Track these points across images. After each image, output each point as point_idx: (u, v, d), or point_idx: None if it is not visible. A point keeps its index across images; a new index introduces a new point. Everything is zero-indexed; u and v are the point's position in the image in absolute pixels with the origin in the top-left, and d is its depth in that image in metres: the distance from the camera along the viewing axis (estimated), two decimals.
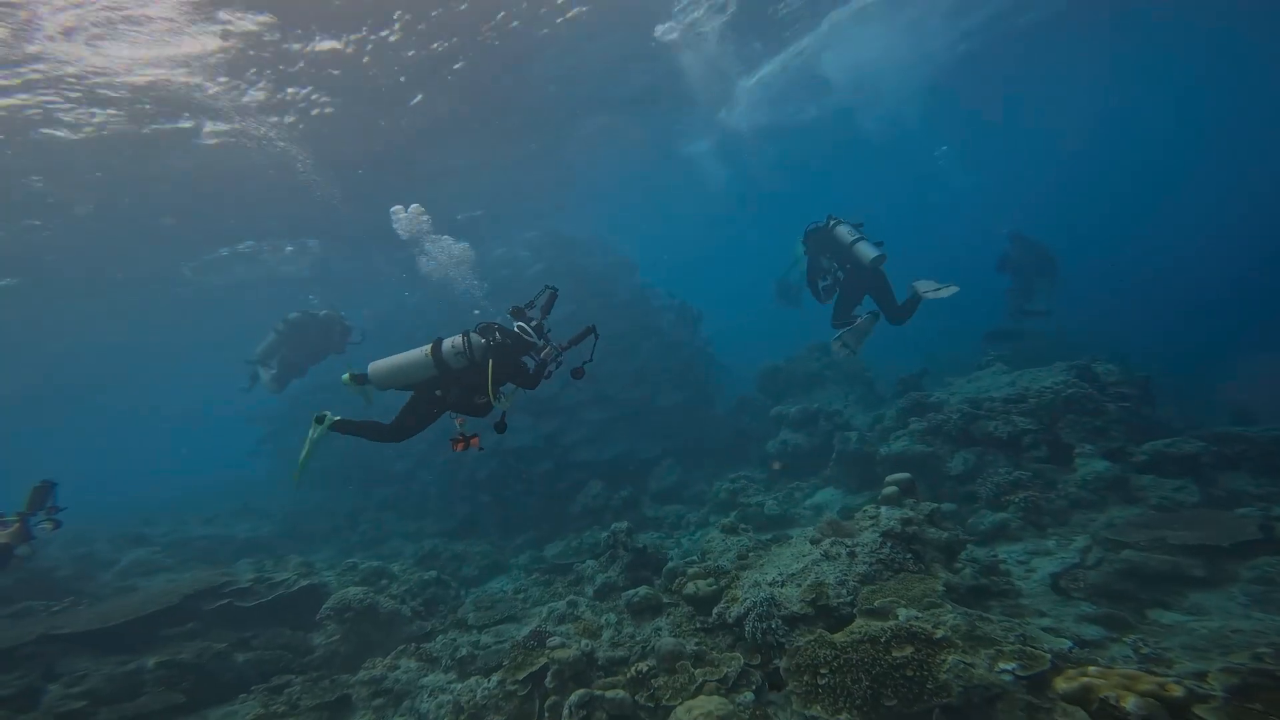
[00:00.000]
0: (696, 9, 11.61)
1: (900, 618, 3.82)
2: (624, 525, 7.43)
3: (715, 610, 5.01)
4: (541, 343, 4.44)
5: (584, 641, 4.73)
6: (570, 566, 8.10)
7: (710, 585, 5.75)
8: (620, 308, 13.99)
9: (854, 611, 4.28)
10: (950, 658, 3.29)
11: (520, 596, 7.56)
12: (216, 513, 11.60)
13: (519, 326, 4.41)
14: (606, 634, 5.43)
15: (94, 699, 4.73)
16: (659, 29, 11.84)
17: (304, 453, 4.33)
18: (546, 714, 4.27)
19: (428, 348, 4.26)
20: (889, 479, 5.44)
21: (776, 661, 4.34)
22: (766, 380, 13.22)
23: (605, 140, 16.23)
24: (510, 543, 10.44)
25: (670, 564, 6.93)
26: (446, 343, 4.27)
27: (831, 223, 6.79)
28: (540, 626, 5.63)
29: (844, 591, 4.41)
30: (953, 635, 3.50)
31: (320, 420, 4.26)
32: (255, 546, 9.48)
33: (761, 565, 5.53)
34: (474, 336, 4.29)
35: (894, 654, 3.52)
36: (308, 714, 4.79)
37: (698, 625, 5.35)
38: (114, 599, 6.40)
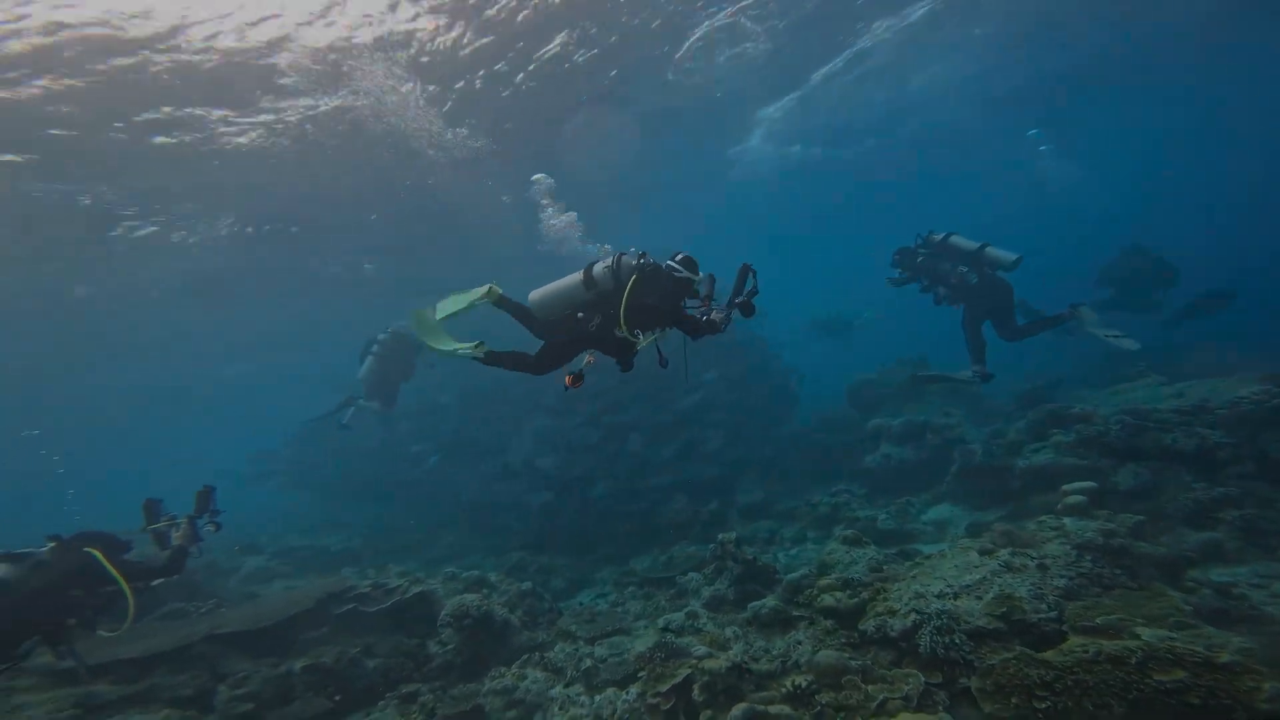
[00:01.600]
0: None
1: (1147, 638, 3.33)
2: (732, 536, 7.09)
3: (870, 624, 4.60)
4: (703, 288, 4.16)
5: (733, 652, 4.40)
6: (670, 580, 7.77)
7: (851, 598, 5.33)
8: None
9: (1061, 629, 3.79)
10: (1266, 685, 2.80)
11: (619, 610, 7.28)
12: (310, 525, 11.96)
13: (671, 264, 4.16)
14: (737, 647, 5.08)
15: (257, 702, 4.90)
16: None
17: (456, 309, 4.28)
18: None
19: (581, 272, 4.21)
20: (1070, 488, 4.96)
21: (963, 680, 3.90)
22: (857, 394, 12.70)
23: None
24: (590, 557, 10.21)
25: (791, 576, 6.52)
26: (598, 265, 4.18)
27: (941, 235, 7.43)
28: (663, 639, 5.33)
29: (1043, 606, 3.95)
30: (1246, 660, 2.99)
31: (480, 346, 4.24)
32: (349, 558, 9.67)
33: (914, 578, 5.07)
34: (625, 258, 4.12)
35: (1157, 677, 3.04)
36: None
37: (843, 640, 4.93)
38: (247, 603, 6.61)
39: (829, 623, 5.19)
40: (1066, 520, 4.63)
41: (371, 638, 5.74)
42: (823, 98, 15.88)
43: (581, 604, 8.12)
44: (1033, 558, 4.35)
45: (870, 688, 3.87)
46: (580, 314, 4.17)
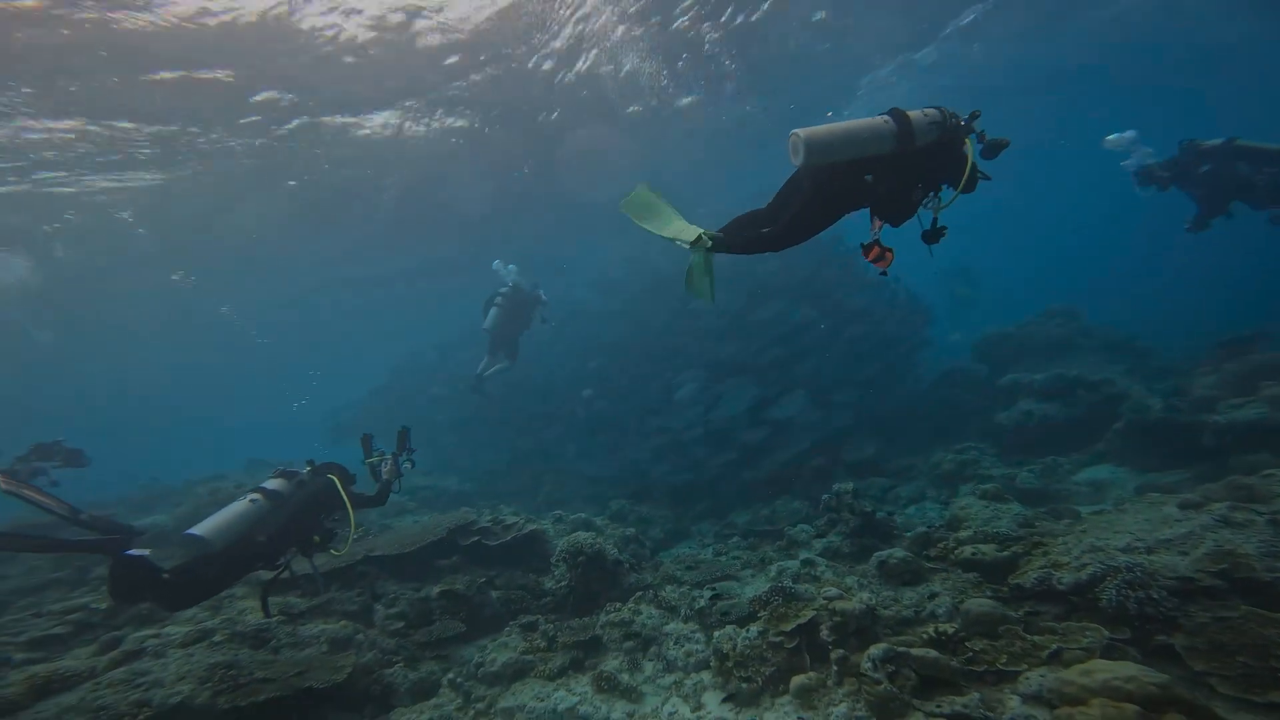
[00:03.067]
0: None
1: None
2: (849, 486, 6.70)
3: (1030, 577, 4.09)
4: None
5: (866, 595, 4.11)
6: (775, 533, 7.53)
7: (1000, 551, 4.81)
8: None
9: None
10: None
11: (723, 559, 7.17)
12: (427, 468, 12.97)
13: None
14: (864, 595, 4.76)
15: (406, 621, 5.43)
16: None
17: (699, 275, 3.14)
18: (834, 666, 3.73)
19: (885, 116, 3.14)
20: None
21: (1160, 637, 3.35)
22: (989, 348, 11.53)
23: None
24: (689, 510, 10.18)
25: (919, 529, 6.04)
26: (915, 112, 3.18)
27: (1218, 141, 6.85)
28: (780, 583, 5.13)
29: (1278, 564, 3.26)
30: None
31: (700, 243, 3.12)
32: (464, 499, 10.39)
33: (1083, 532, 4.45)
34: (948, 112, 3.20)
35: None
36: (565, 650, 4.88)
37: (990, 594, 4.46)
38: (387, 533, 7.33)
39: (971, 575, 4.73)
40: None
41: (494, 570, 6.07)
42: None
43: (682, 553, 8.12)
44: (1260, 513, 3.62)
45: (1037, 638, 3.43)
46: (869, 176, 3.17)
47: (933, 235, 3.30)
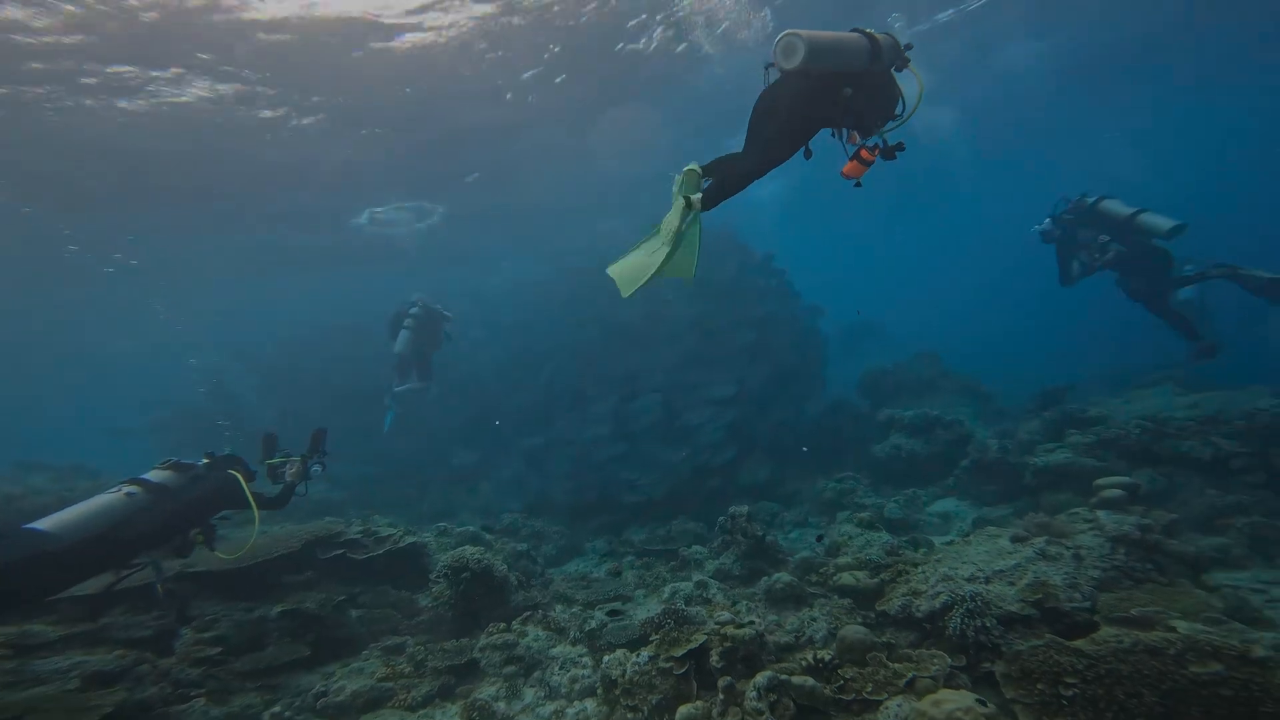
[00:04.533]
0: None
1: (1184, 630, 3.35)
2: (744, 510, 7.10)
3: (894, 604, 4.61)
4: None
5: (757, 620, 4.38)
6: (668, 553, 7.78)
7: (871, 578, 5.36)
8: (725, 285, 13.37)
9: (1094, 619, 3.82)
10: None
11: (615, 578, 7.28)
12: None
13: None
14: (754, 620, 5.07)
15: (226, 646, 4.65)
16: None
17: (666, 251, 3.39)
18: (721, 695, 3.94)
19: (857, 33, 3.40)
20: (1105, 481, 5.02)
21: (985, 665, 3.93)
22: (871, 383, 12.77)
23: None
24: (583, 526, 10.20)
25: (802, 554, 6.55)
26: (881, 34, 3.45)
27: (1092, 199, 7.62)
28: (672, 605, 5.32)
29: (1077, 595, 3.98)
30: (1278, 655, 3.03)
31: (690, 204, 3.36)
32: (329, 508, 9.48)
33: (938, 561, 5.10)
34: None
35: (1194, 669, 3.07)
36: (434, 675, 4.60)
37: (860, 620, 4.96)
38: (222, 543, 6.32)
39: (846, 601, 5.22)
40: (1100, 514, 4.67)
41: (358, 587, 5.64)
42: None
43: (574, 571, 8.12)
44: (1068, 547, 4.37)
45: (897, 665, 3.88)
46: (848, 89, 3.34)
47: (890, 152, 3.54)
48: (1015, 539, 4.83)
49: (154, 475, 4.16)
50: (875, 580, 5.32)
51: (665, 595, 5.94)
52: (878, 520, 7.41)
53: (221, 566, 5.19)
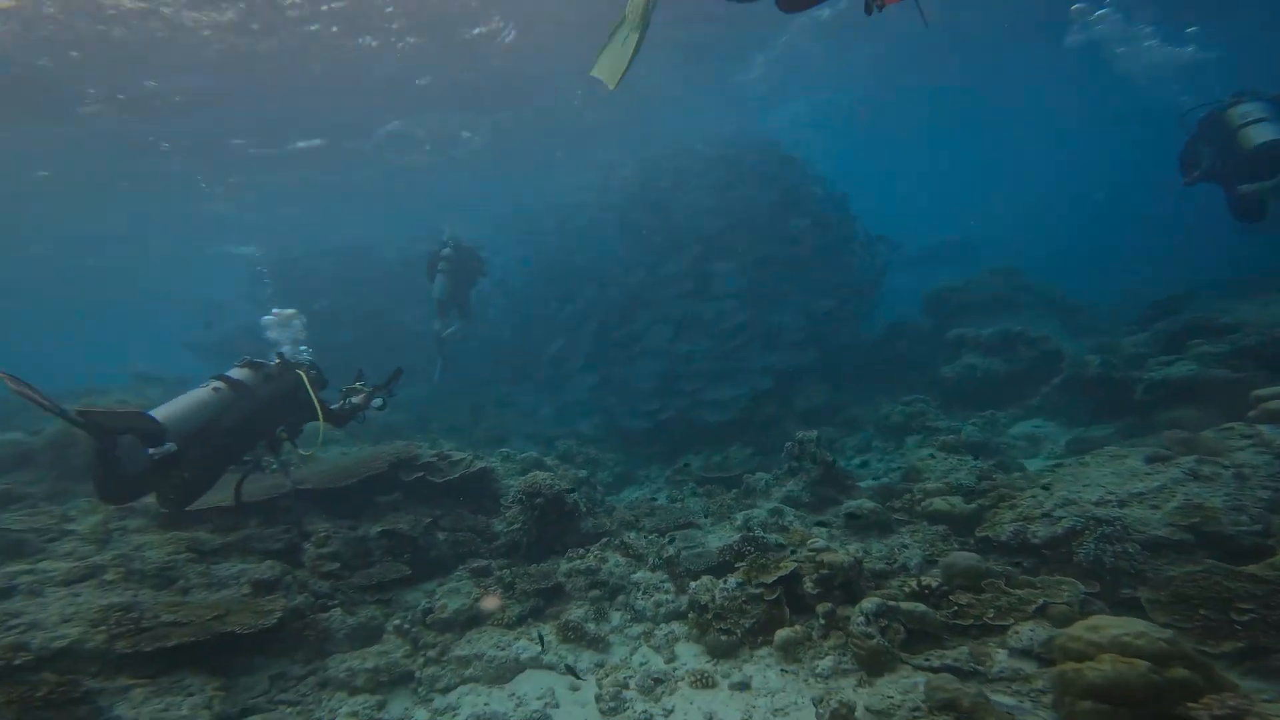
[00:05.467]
0: None
1: None
2: (813, 435, 6.71)
3: (1004, 530, 4.22)
4: None
5: (853, 546, 4.08)
6: (734, 479, 7.55)
7: (965, 503, 4.97)
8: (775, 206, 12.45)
9: (1268, 543, 3.34)
10: None
11: (678, 506, 7.12)
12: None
13: None
14: (851, 547, 4.80)
15: (341, 563, 4.86)
16: None
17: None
18: (821, 620, 3.70)
19: None
20: (1266, 392, 4.39)
21: (1126, 591, 3.54)
22: (936, 303, 11.92)
23: None
24: (637, 453, 10.09)
25: (882, 480, 6.19)
26: None
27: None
28: (751, 532, 5.09)
29: (1243, 518, 3.46)
30: None
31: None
32: (394, 431, 9.65)
33: (1052, 485, 4.64)
34: None
35: None
36: (524, 597, 4.58)
37: (957, 547, 4.61)
38: (314, 465, 6.51)
39: (939, 528, 4.87)
40: (1264, 428, 4.07)
41: (439, 510, 5.62)
42: None
43: (635, 499, 8.02)
44: (1225, 466, 3.85)
45: (1020, 592, 3.53)
46: None
47: None
48: (1152, 459, 4.31)
49: (235, 372, 4.56)
50: (972, 506, 4.93)
51: (739, 522, 5.71)
52: (961, 443, 6.95)
53: (328, 485, 5.51)
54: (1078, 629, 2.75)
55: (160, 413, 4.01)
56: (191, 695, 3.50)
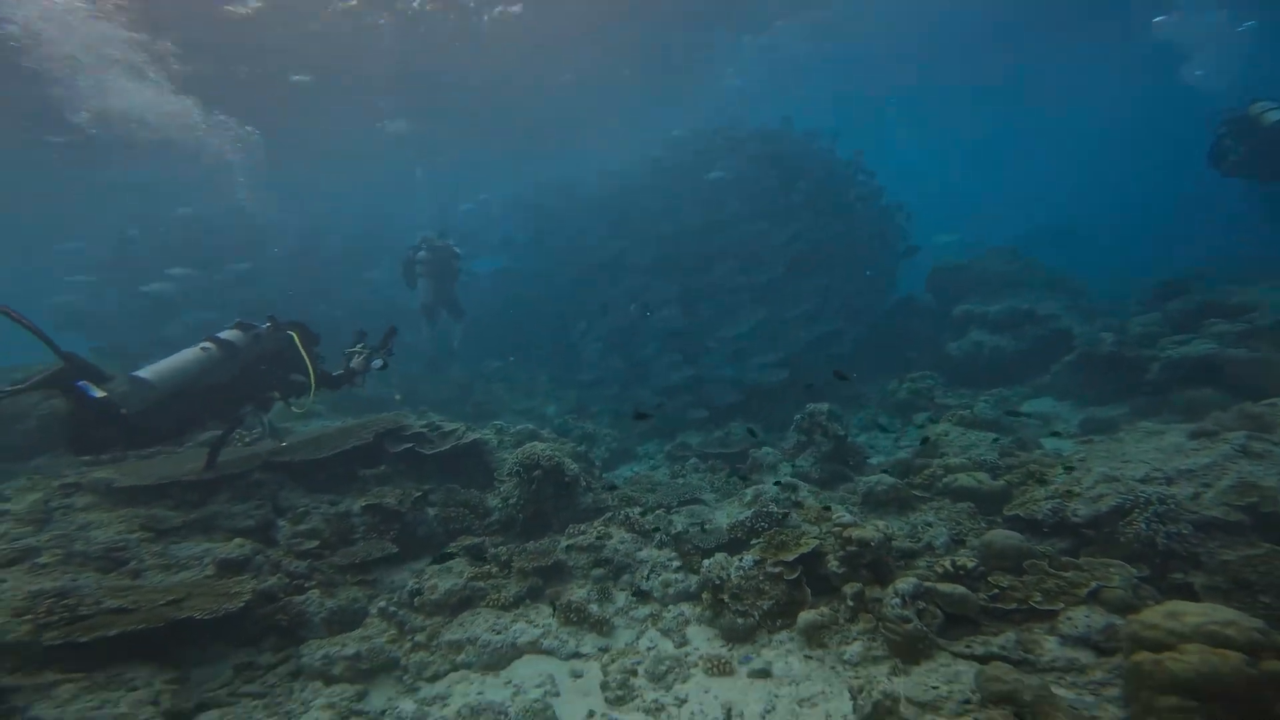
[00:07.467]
0: None
1: None
2: (824, 408, 6.40)
3: (1040, 508, 3.92)
4: None
5: (880, 523, 3.76)
6: (738, 454, 7.24)
7: (992, 480, 4.67)
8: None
9: None
10: None
11: (680, 481, 6.79)
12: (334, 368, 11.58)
13: None
14: (879, 523, 4.49)
15: (320, 541, 4.51)
16: None
17: None
18: (849, 601, 3.38)
19: None
20: None
21: (1176, 575, 3.26)
22: (942, 279, 11.60)
23: None
24: (632, 430, 9.73)
25: (900, 456, 5.90)
26: None
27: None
28: (764, 508, 4.75)
29: None
30: None
31: None
32: (380, 405, 9.18)
33: (1087, 461, 4.35)
34: None
35: None
36: (521, 576, 4.21)
37: (985, 524, 4.33)
38: (291, 438, 6.09)
39: (965, 505, 4.58)
40: None
41: (429, 484, 5.22)
42: None
43: (634, 474, 7.69)
44: (1278, 443, 3.56)
45: (1069, 574, 3.24)
46: None
47: None
48: (1196, 434, 4.02)
49: (225, 333, 4.54)
50: (1000, 482, 4.64)
51: (748, 498, 5.38)
52: (977, 420, 6.66)
53: (305, 456, 5.17)
54: (1154, 615, 2.44)
55: (149, 370, 4.04)
56: (135, 690, 3.08)
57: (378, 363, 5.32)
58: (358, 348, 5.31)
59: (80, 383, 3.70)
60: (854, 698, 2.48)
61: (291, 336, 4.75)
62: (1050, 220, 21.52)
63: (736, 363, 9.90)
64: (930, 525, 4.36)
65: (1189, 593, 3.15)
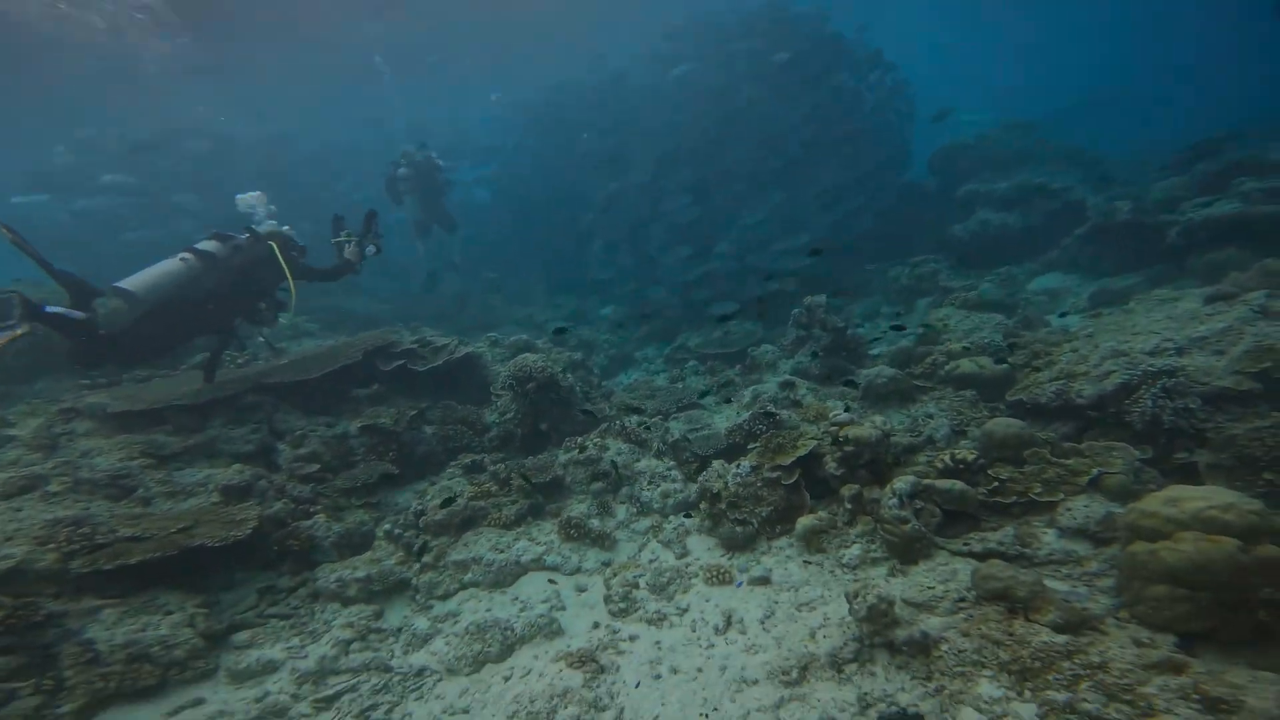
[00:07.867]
0: None
1: None
2: (821, 299, 6.15)
3: (1043, 391, 3.80)
4: None
5: (877, 419, 3.66)
6: (738, 354, 7.10)
7: (995, 364, 4.53)
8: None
9: None
10: None
11: (680, 385, 6.72)
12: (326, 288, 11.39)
13: None
14: (876, 419, 4.42)
15: (321, 464, 4.52)
16: None
17: None
18: (847, 504, 3.37)
19: None
20: None
21: (1183, 455, 3.18)
22: (945, 161, 10.86)
23: None
24: (630, 334, 9.59)
25: (901, 344, 5.72)
26: None
27: None
28: (763, 408, 4.67)
29: None
30: None
31: None
32: (375, 322, 9.04)
33: (1094, 336, 4.16)
34: None
35: None
36: (521, 494, 4.21)
37: (987, 412, 4.25)
38: (282, 357, 6.04)
39: (968, 393, 4.48)
40: None
41: (424, 401, 5.16)
42: None
43: (632, 381, 7.63)
44: None
45: (1069, 462, 3.17)
46: None
47: None
48: (1213, 298, 3.79)
49: (202, 244, 4.47)
50: (1003, 366, 4.50)
51: (746, 399, 5.32)
52: (981, 300, 6.42)
53: (295, 377, 5.11)
54: (1153, 503, 2.37)
55: (129, 281, 4.05)
56: (170, 614, 3.24)
57: (371, 249, 5.25)
58: (344, 235, 5.23)
59: (47, 307, 3.72)
60: (849, 602, 2.50)
61: (272, 247, 4.66)
62: (1094, 88, 19.56)
63: (757, 251, 9.61)
64: (931, 417, 4.29)
65: (1193, 473, 3.09)
